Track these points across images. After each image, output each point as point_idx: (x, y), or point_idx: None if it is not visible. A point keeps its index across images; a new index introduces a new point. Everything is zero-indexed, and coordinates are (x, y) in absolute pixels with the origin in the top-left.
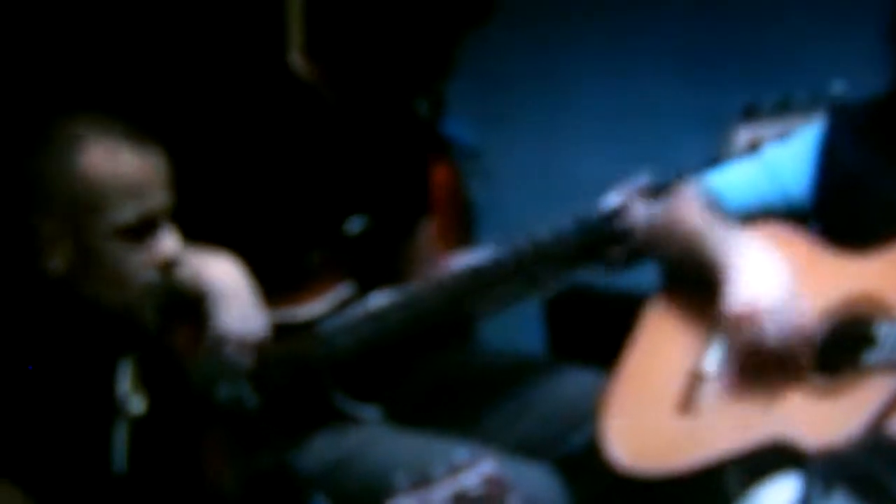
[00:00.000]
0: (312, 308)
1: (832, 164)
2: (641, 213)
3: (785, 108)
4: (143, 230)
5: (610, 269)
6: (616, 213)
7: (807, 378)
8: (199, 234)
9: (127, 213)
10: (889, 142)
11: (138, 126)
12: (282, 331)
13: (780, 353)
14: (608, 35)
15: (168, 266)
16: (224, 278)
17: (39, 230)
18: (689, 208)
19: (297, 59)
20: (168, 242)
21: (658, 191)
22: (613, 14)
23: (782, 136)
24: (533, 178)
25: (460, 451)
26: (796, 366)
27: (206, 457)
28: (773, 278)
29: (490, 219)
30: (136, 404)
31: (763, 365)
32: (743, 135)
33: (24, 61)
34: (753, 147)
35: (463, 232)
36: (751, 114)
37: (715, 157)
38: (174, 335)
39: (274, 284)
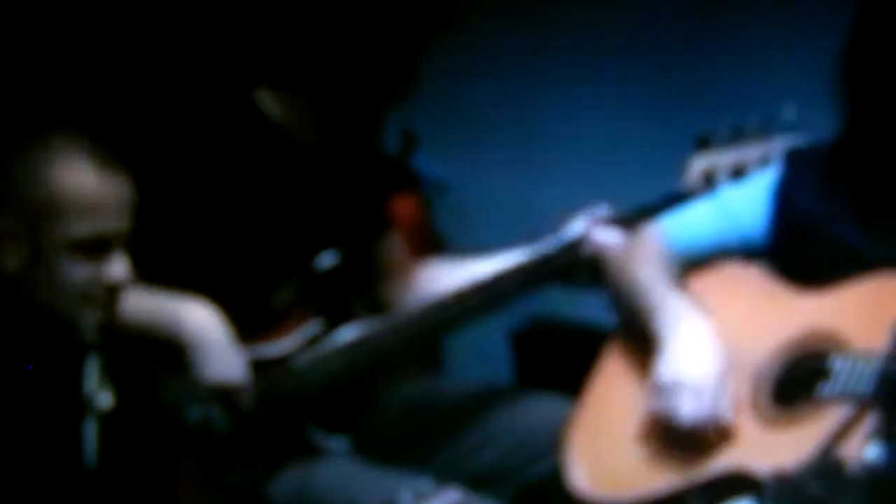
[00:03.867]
0: (283, 344)
1: (788, 207)
2: (603, 240)
3: (738, 136)
4: (94, 248)
5: (574, 286)
6: (578, 242)
7: (763, 409)
8: (170, 274)
9: (81, 228)
10: (843, 188)
11: (109, 153)
12: (254, 367)
13: (689, 432)
14: (576, 69)
15: (113, 289)
16: (202, 326)
17: (2, 231)
18: (641, 256)
19: (262, 95)
20: (117, 266)
21: (619, 222)
22: (581, 48)
23: (736, 166)
24: (502, 211)
25: (425, 481)
26: (703, 443)
27: (180, 478)
28: (701, 359)
29: (458, 251)
30: (104, 400)
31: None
32: (697, 165)
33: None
34: (708, 178)
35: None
36: (704, 144)
37: (673, 190)
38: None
39: (245, 322)
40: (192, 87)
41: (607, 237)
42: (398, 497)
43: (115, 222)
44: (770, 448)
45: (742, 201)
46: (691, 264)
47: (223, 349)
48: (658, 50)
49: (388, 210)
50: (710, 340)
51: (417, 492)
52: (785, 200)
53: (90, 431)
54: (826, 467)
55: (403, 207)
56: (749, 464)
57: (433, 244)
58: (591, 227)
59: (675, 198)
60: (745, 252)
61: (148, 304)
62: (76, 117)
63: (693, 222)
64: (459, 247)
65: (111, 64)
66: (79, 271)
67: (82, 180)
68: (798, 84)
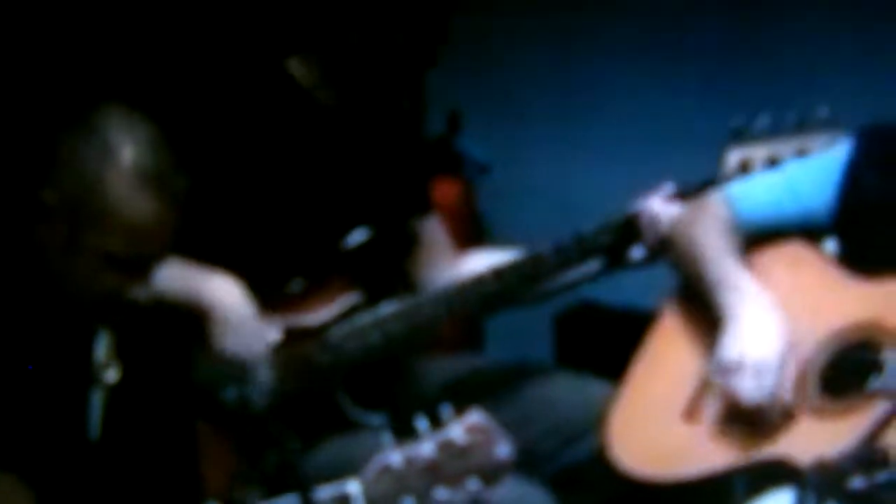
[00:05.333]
0: (321, 315)
1: (854, 186)
2: (665, 215)
3: (773, 130)
4: (127, 265)
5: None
6: (636, 217)
7: (811, 399)
8: (204, 245)
9: (121, 247)
10: None
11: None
12: (290, 336)
13: (751, 411)
14: (622, 51)
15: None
16: (223, 300)
17: (43, 201)
18: (705, 221)
19: (295, 64)
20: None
21: (683, 196)
22: (625, 34)
23: (771, 158)
24: (544, 193)
25: (445, 407)
26: (761, 425)
27: (208, 458)
28: (765, 340)
29: (501, 234)
30: (111, 374)
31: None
32: (733, 156)
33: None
34: (744, 168)
35: (473, 247)
36: (739, 136)
37: (709, 177)
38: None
39: (281, 290)
40: (225, 56)
41: (667, 209)
42: (416, 424)
43: (155, 248)
44: (815, 438)
45: (807, 176)
46: (752, 235)
47: (244, 323)
48: (701, 38)
49: (427, 190)
50: (774, 321)
51: (437, 417)
52: (851, 178)
53: (96, 403)
54: (870, 459)
55: (446, 189)
56: (793, 453)
57: (475, 225)
58: (655, 204)
59: (711, 185)
60: (809, 228)
61: (172, 275)
62: (124, 91)
63: (756, 193)
64: (501, 228)
65: (136, 36)
66: (105, 278)
67: (134, 199)
68: (835, 84)
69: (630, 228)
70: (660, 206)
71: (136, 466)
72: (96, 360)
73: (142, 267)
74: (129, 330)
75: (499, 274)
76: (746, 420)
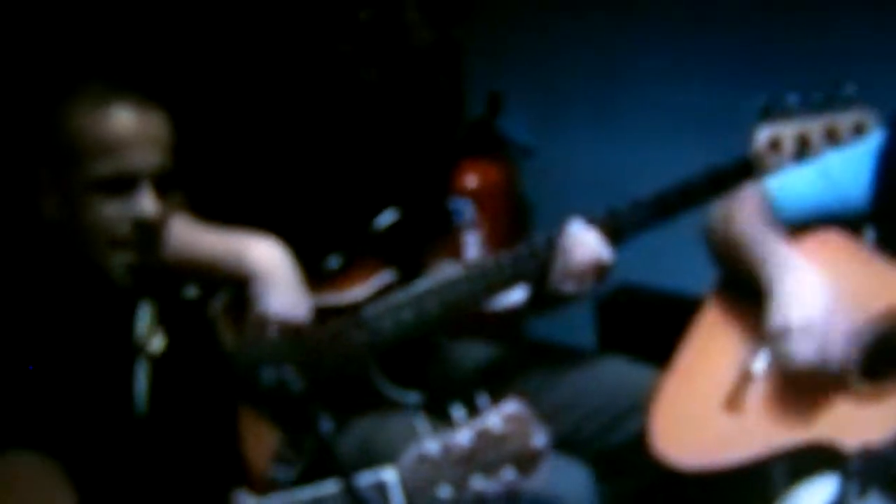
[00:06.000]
0: (355, 293)
1: (890, 172)
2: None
3: (802, 107)
4: (120, 186)
5: None
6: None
7: (851, 384)
8: (242, 217)
9: (103, 168)
10: None
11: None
12: (325, 314)
13: (807, 373)
14: (663, 33)
15: (143, 226)
16: (268, 261)
17: (38, 177)
18: (744, 212)
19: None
20: (145, 202)
21: (689, 185)
22: (668, 13)
23: (801, 135)
24: (588, 176)
25: (482, 397)
26: (819, 384)
27: (247, 439)
28: (808, 302)
29: (546, 217)
30: (156, 343)
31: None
32: (762, 133)
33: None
34: (773, 145)
35: (519, 230)
36: (768, 114)
37: (740, 154)
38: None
39: (317, 268)
40: (273, 35)
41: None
42: (453, 413)
43: (141, 159)
44: (857, 422)
45: (844, 165)
46: (793, 227)
47: (289, 283)
48: (736, 20)
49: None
50: (817, 284)
51: (474, 406)
52: (886, 165)
53: (141, 376)
54: None
55: (489, 170)
56: (834, 437)
57: (520, 207)
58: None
59: (743, 163)
60: (848, 217)
61: (214, 239)
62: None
63: (795, 185)
64: (545, 210)
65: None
66: (106, 210)
67: (99, 119)
68: (862, 61)
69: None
70: (580, 231)
71: (182, 441)
72: (139, 332)
73: (135, 186)
74: (171, 298)
75: (534, 252)
76: (800, 391)
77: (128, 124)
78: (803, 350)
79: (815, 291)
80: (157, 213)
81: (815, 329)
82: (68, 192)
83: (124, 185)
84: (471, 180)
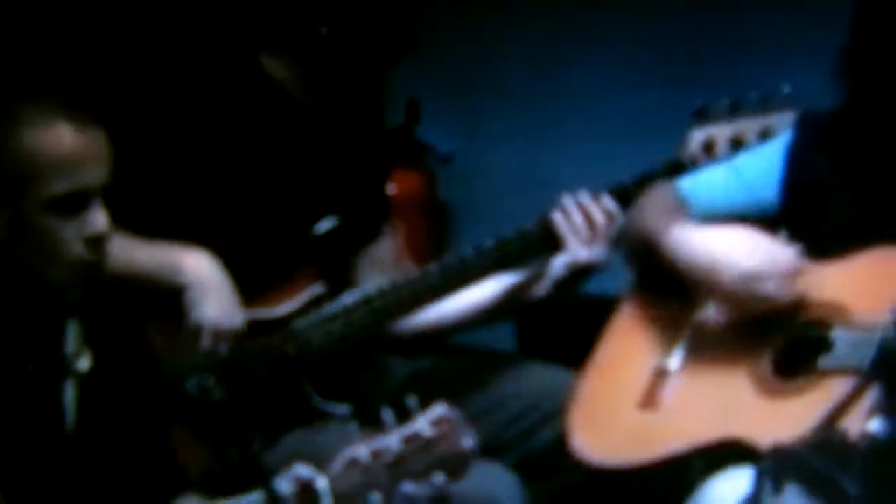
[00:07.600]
0: (285, 306)
1: (798, 171)
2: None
3: (736, 109)
4: (74, 204)
5: None
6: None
7: (764, 380)
8: (175, 233)
9: (58, 186)
10: (848, 154)
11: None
12: (255, 328)
13: (781, 300)
14: (582, 42)
15: (97, 242)
16: (202, 271)
17: None
18: (658, 208)
19: (267, 58)
20: (98, 218)
21: (621, 189)
22: (587, 20)
23: (735, 137)
24: (507, 182)
25: (411, 399)
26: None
27: (179, 444)
28: (745, 246)
29: (466, 223)
30: (83, 363)
31: (725, 362)
32: (697, 136)
33: None
34: (707, 148)
35: (438, 237)
36: (703, 116)
37: (673, 157)
38: (150, 328)
39: (247, 283)
40: (199, 48)
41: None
42: (382, 417)
43: (92, 175)
44: (768, 417)
45: (756, 166)
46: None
47: (222, 291)
48: (665, 26)
49: (385, 190)
50: (739, 231)
51: (402, 410)
52: (794, 165)
53: (69, 394)
54: (828, 440)
55: (409, 179)
56: (746, 432)
57: (440, 215)
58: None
59: (675, 165)
60: (759, 216)
61: (148, 252)
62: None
63: (708, 185)
64: (466, 217)
65: (110, 30)
66: (62, 231)
67: (51, 137)
68: (797, 62)
69: (547, 234)
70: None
71: (113, 456)
72: (67, 350)
73: (88, 203)
74: (99, 315)
75: (462, 262)
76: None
77: (77, 142)
78: (772, 286)
79: (741, 239)
80: (108, 228)
81: (765, 266)
82: (16, 214)
83: (78, 202)
84: (388, 188)
